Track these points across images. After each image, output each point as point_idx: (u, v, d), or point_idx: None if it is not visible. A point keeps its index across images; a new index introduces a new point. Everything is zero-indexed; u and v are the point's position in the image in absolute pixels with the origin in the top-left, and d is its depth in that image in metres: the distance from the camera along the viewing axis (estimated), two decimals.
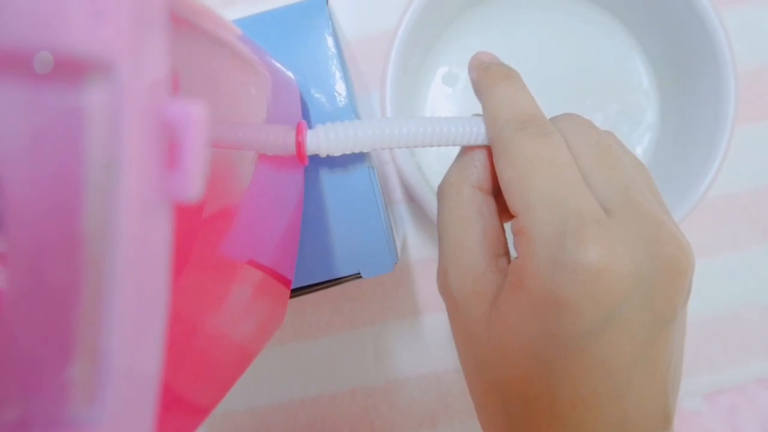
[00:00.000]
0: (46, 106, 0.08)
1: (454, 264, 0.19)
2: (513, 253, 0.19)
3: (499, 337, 0.17)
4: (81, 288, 0.09)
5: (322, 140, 0.20)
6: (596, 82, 0.33)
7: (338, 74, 0.22)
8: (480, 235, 0.19)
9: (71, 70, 0.08)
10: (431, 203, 0.29)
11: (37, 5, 0.08)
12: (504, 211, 0.22)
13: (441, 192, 0.20)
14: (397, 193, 0.36)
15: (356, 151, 0.20)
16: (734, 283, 0.35)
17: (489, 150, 0.20)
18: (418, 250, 0.36)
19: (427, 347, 0.36)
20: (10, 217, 0.09)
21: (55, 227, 0.09)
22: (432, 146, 0.20)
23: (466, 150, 0.20)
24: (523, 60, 0.34)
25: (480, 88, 0.20)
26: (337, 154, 0.20)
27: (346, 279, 0.22)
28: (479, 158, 0.20)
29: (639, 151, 0.34)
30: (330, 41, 0.22)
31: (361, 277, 0.22)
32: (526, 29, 0.34)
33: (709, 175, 0.29)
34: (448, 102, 0.34)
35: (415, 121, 0.20)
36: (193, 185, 0.09)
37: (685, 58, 0.31)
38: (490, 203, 0.20)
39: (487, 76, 0.20)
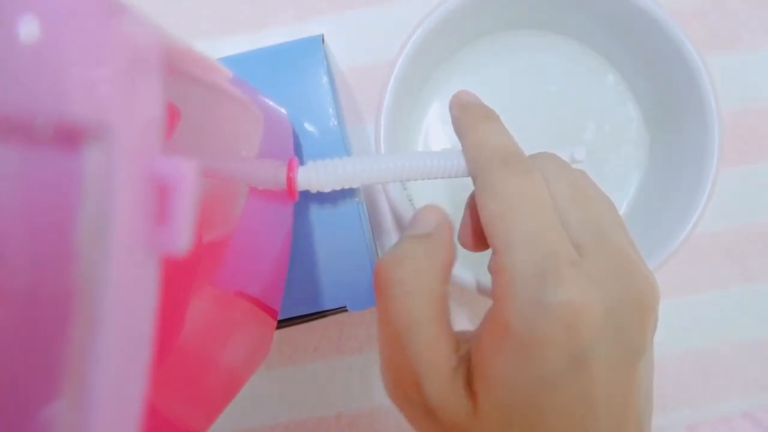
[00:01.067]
0: (42, 165, 0.09)
1: (430, 373, 0.18)
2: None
3: (485, 402, 0.17)
4: (69, 331, 0.09)
5: (312, 177, 0.20)
6: (587, 124, 0.34)
7: (331, 111, 0.23)
8: (449, 335, 0.18)
9: (68, 134, 0.09)
10: None
11: (37, 72, 0.09)
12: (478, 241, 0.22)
13: (395, 288, 0.18)
14: (388, 222, 0.37)
15: (346, 187, 0.21)
16: (715, 319, 0.35)
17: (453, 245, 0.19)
18: None
19: None
20: (3, 261, 0.09)
21: (48, 273, 0.09)
22: (419, 180, 0.21)
23: (438, 233, 0.19)
24: (515, 99, 0.34)
25: (461, 127, 0.21)
26: (327, 190, 0.21)
27: (332, 312, 0.23)
28: (452, 251, 0.19)
29: (628, 192, 0.34)
30: (324, 79, 0.23)
31: (347, 310, 0.23)
32: (519, 69, 0.35)
33: (694, 218, 0.29)
34: (442, 137, 0.34)
35: (402, 156, 0.21)
36: (181, 239, 0.10)
37: (672, 103, 0.32)
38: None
39: (469, 115, 0.21)
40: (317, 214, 0.23)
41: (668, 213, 0.31)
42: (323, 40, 0.23)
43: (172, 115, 0.11)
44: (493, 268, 0.18)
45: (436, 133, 0.34)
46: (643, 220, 0.33)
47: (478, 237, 0.21)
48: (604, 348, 0.17)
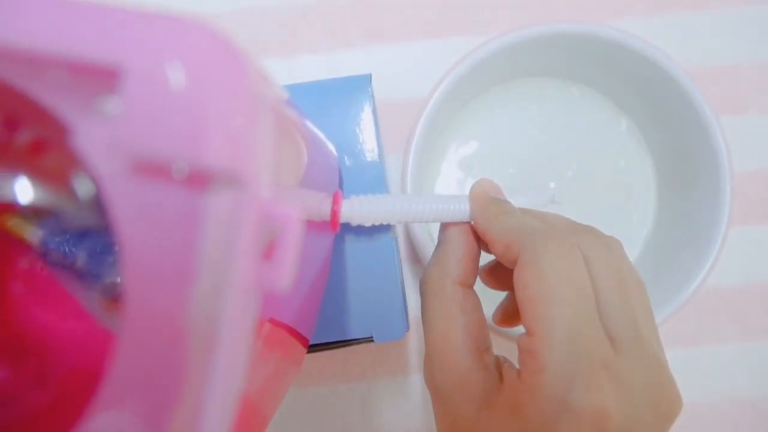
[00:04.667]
0: (175, 205, 0.10)
1: (439, 360, 0.19)
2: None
3: None
4: (185, 366, 0.10)
5: (356, 211, 0.21)
6: (602, 175, 0.35)
7: (375, 148, 0.24)
8: (463, 332, 0.19)
9: (201, 178, 0.10)
10: None
11: (180, 117, 0.09)
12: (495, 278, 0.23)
13: (423, 287, 0.21)
14: (402, 252, 0.37)
15: (386, 222, 0.21)
16: (714, 374, 0.36)
17: (467, 244, 0.21)
18: (416, 309, 0.37)
19: (414, 406, 0.37)
20: (128, 286, 0.10)
21: (168, 298, 0.10)
22: (447, 222, 0.22)
23: (444, 243, 0.21)
24: (532, 148, 0.36)
25: (490, 213, 0.21)
26: (368, 224, 0.21)
27: (357, 341, 0.23)
28: (458, 253, 0.21)
29: (637, 243, 0.35)
30: (370, 116, 0.24)
31: (372, 341, 0.23)
32: (535, 114, 0.36)
33: (701, 276, 0.31)
34: (456, 177, 0.35)
35: (445, 199, 0.21)
36: (286, 278, 0.11)
37: (685, 158, 0.33)
38: (473, 299, 0.20)
39: (497, 206, 0.21)
40: (353, 245, 0.23)
41: (676, 268, 0.32)
42: (371, 79, 0.24)
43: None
44: (523, 347, 0.18)
45: (452, 174, 0.35)
46: (650, 271, 0.34)
47: (507, 313, 0.22)
48: None
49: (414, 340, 0.37)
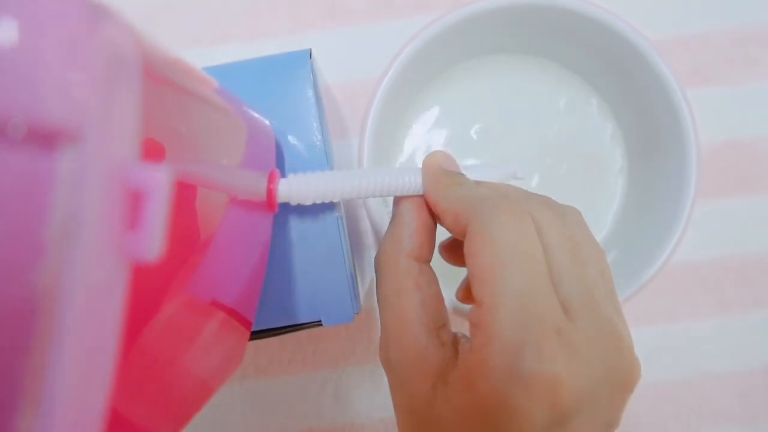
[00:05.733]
0: (14, 167, 0.09)
1: (394, 338, 0.19)
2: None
3: (445, 424, 0.17)
4: (31, 338, 0.09)
5: (293, 189, 0.20)
6: (568, 146, 0.35)
7: (315, 125, 0.23)
8: (419, 307, 0.18)
9: (42, 136, 0.09)
10: None
11: (14, 74, 0.09)
12: (454, 254, 0.22)
13: (377, 263, 0.20)
14: (369, 239, 0.37)
15: (326, 200, 0.21)
16: (689, 350, 0.36)
17: (421, 217, 0.20)
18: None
19: (385, 394, 0.36)
20: None
21: (11, 278, 0.09)
22: (399, 195, 0.21)
23: (397, 217, 0.20)
24: (496, 119, 0.35)
25: (441, 184, 0.20)
26: (307, 203, 0.21)
27: (306, 326, 0.23)
28: (412, 226, 0.20)
29: (606, 217, 0.35)
30: (310, 93, 0.23)
31: (321, 324, 0.23)
32: (501, 90, 0.35)
33: (671, 245, 0.30)
34: (422, 157, 0.35)
35: (384, 171, 0.21)
36: (152, 246, 0.10)
37: (653, 131, 0.32)
38: (428, 273, 0.20)
39: (449, 177, 0.20)
40: (296, 226, 0.23)
41: (645, 240, 0.31)
42: (311, 54, 0.23)
43: (151, 122, 0.11)
44: (473, 320, 0.17)
45: (419, 154, 0.35)
46: (620, 246, 0.33)
47: (469, 288, 0.21)
48: (577, 423, 0.16)
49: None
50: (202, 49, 0.38)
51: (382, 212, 0.31)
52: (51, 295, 0.09)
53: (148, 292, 0.14)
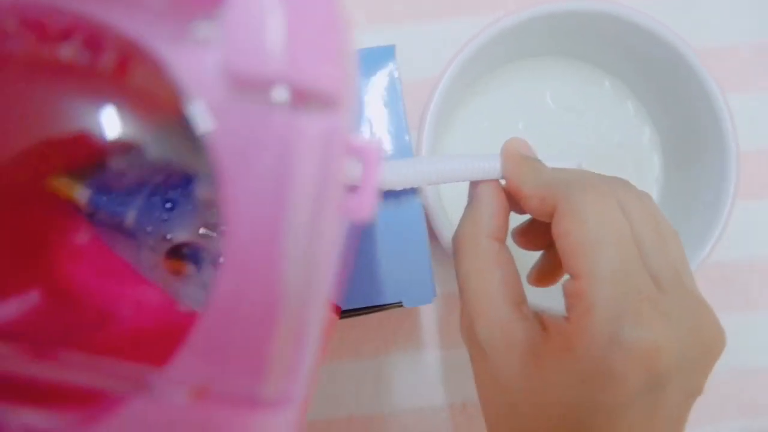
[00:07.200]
0: (274, 128, 0.10)
1: (478, 314, 0.19)
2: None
3: (538, 393, 0.18)
4: (281, 297, 0.10)
5: (387, 175, 0.22)
6: (605, 147, 0.36)
7: (401, 115, 0.24)
8: (501, 285, 0.20)
9: (300, 101, 0.10)
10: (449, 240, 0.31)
11: (282, 47, 0.10)
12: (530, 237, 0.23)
13: (456, 244, 0.21)
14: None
15: (417, 185, 0.22)
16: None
17: (499, 200, 0.21)
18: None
19: (426, 381, 0.37)
20: (227, 210, 0.10)
21: (264, 230, 0.10)
22: (477, 179, 0.22)
23: (476, 200, 0.22)
24: (540, 126, 0.36)
25: (523, 169, 0.21)
26: (398, 188, 0.22)
27: (387, 307, 0.24)
28: (491, 208, 0.21)
29: None
30: (396, 85, 0.24)
31: (402, 306, 0.24)
32: (546, 97, 0.36)
33: (707, 247, 0.31)
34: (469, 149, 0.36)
35: (465, 157, 0.22)
36: (369, 208, 0.11)
37: (691, 133, 0.34)
38: (506, 253, 0.21)
39: (530, 162, 0.22)
40: (381, 212, 0.24)
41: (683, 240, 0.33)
42: (395, 49, 0.24)
43: None
44: (570, 291, 0.18)
45: (464, 149, 0.36)
46: None
47: (542, 272, 0.22)
48: (670, 388, 0.17)
49: (425, 315, 0.37)
50: None
51: (435, 200, 0.32)
52: (298, 244, 0.10)
53: None
